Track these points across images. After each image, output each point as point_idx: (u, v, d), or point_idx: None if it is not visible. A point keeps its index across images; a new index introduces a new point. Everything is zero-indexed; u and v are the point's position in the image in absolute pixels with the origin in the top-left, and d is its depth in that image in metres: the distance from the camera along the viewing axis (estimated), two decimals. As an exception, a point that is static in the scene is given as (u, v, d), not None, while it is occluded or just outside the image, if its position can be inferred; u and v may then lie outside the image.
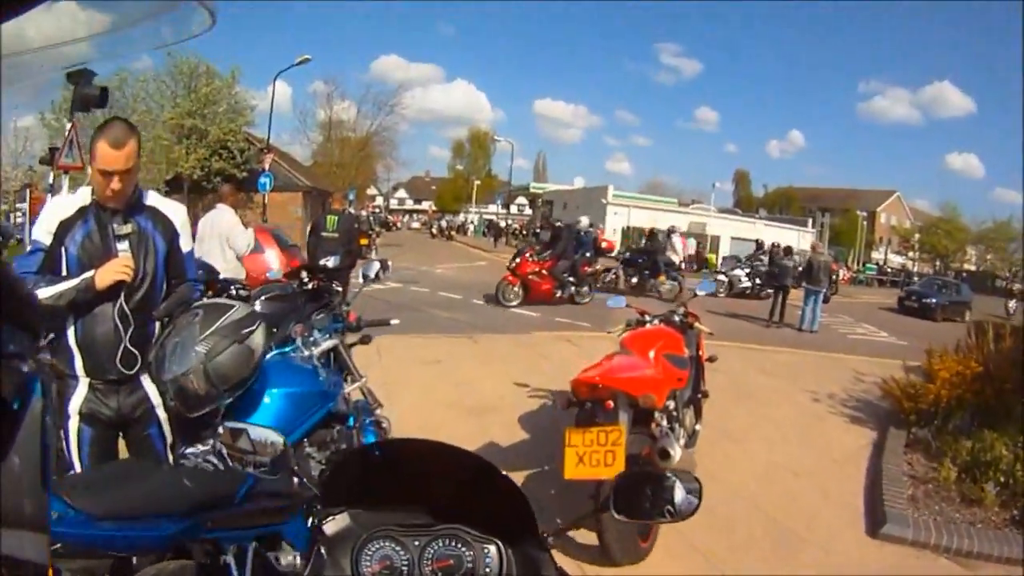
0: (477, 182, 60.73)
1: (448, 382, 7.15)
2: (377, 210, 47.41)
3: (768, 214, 49.00)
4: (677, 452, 3.59)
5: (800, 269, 15.35)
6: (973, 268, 43.97)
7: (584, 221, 15.86)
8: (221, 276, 6.41)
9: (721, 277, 19.11)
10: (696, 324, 5.10)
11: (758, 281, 19.13)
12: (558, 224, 16.84)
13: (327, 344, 3.44)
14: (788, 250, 17.26)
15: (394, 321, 4.43)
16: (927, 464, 5.18)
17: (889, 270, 42.44)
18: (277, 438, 2.02)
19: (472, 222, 51.73)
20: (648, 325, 4.92)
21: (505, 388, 7.00)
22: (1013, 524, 4.25)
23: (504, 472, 1.39)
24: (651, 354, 4.09)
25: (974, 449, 4.90)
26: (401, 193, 75.82)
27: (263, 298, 5.12)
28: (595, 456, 3.32)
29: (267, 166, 23.23)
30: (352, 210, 25.81)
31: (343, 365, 3.61)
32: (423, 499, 1.43)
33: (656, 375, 3.87)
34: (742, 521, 4.29)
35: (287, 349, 3.33)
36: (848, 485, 5.09)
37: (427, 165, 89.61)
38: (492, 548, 1.37)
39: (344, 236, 9.24)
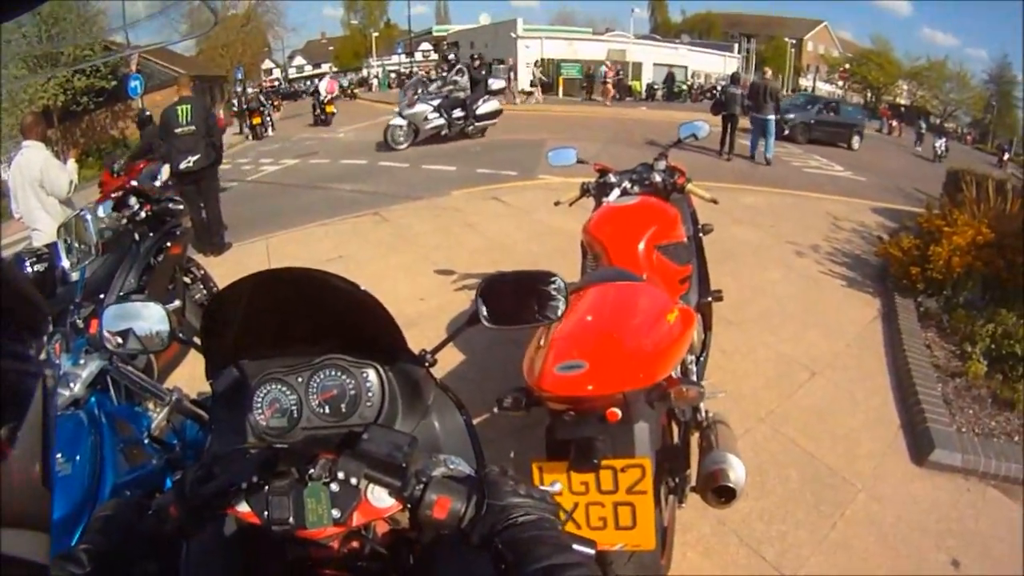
0: (375, 34, 56.54)
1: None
2: (277, 83, 44.67)
3: (690, 39, 46.88)
4: (741, 473, 2.16)
5: (746, 96, 13.81)
6: (905, 103, 43.84)
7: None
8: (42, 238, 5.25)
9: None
10: (689, 185, 3.59)
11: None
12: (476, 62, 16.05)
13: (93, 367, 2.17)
14: (735, 77, 16.16)
15: None
16: (946, 348, 4.51)
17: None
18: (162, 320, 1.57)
19: (376, 76, 48.36)
20: (616, 191, 3.47)
21: (426, 282, 5.85)
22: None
23: (364, 289, 1.25)
24: (641, 248, 2.80)
25: (995, 334, 4.29)
26: (299, 60, 71.10)
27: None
28: (599, 513, 1.92)
29: (134, 67, 20.37)
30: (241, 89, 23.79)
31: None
32: (298, 335, 1.37)
33: (674, 329, 2.22)
34: (772, 463, 3.38)
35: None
36: (875, 386, 4.20)
37: (321, 27, 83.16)
38: (371, 371, 1.38)
39: (202, 126, 7.25)
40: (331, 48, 68.53)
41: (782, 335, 4.81)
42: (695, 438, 2.42)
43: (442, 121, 14.04)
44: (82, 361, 2.19)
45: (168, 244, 4.77)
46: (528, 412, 2.04)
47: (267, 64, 56.74)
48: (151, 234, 4.68)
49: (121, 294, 4.22)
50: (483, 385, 3.73)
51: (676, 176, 3.55)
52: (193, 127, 7.15)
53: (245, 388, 1.39)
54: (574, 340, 2.05)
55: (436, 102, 14.08)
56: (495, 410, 2.02)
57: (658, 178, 3.49)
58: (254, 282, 1.27)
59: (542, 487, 1.22)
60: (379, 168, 12.25)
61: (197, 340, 1.44)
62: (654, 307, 2.28)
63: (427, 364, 1.42)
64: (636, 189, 3.47)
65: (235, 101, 24.13)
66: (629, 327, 2.17)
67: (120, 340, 1.56)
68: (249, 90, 24.62)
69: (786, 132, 17.00)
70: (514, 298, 1.49)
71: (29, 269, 4.66)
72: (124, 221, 4.59)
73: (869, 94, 46.09)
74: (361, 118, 21.30)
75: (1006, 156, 23.47)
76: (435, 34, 53.39)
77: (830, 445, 3.56)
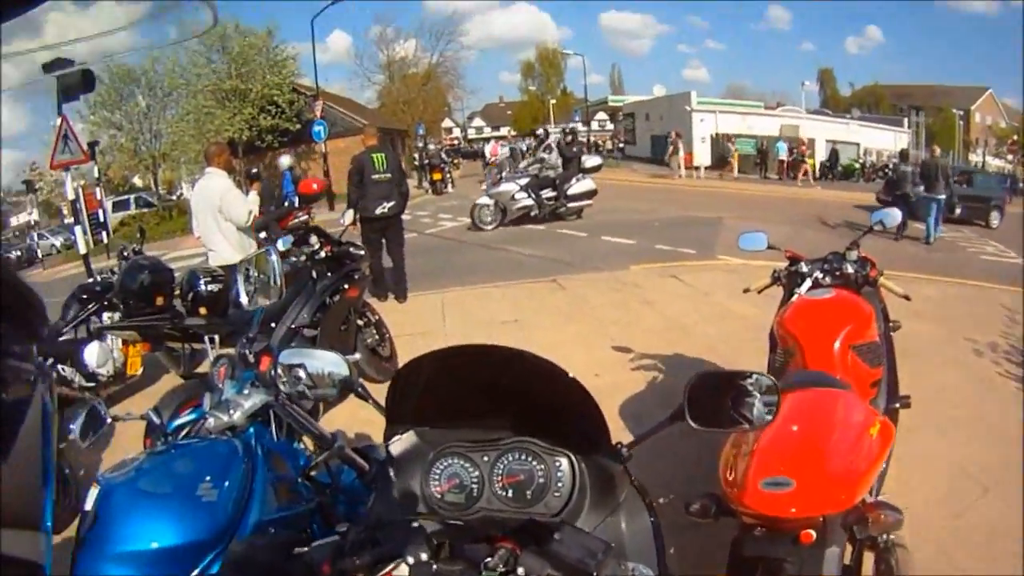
0: (552, 101, 58.80)
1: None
2: (457, 142, 47.55)
3: (860, 114, 44.75)
4: None
5: (918, 174, 13.03)
6: None
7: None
8: (216, 259, 5.56)
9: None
10: (881, 278, 3.33)
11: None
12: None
13: (257, 400, 2.06)
14: (904, 154, 15.57)
15: None
16: None
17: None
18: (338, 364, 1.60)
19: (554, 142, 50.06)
20: (808, 282, 3.26)
21: (602, 356, 5.47)
22: None
23: (573, 376, 1.21)
24: (837, 347, 2.63)
25: None
26: (478, 122, 75.15)
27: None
28: None
29: (319, 113, 22.41)
30: (423, 144, 25.07)
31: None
32: (491, 411, 1.34)
33: (875, 446, 2.08)
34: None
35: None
36: None
37: (499, 91, 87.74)
38: (564, 460, 1.33)
39: (397, 175, 7.41)
40: (509, 112, 71.87)
41: (958, 448, 4.14)
42: (869, 558, 2.10)
43: (531, 201, 13.23)
44: (247, 391, 2.13)
45: (345, 286, 4.77)
46: (717, 520, 1.94)
47: (447, 123, 60.79)
48: (329, 274, 4.71)
49: (292, 326, 4.27)
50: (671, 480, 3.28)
51: (869, 268, 3.35)
52: (389, 175, 7.32)
53: (422, 457, 1.36)
54: (779, 453, 1.92)
55: (524, 181, 13.42)
56: (685, 513, 1.95)
57: (850, 269, 3.32)
58: (459, 353, 1.22)
59: None
60: (558, 235, 12.17)
61: (372, 395, 1.45)
62: (858, 420, 2.14)
63: (624, 459, 1.33)
64: (828, 280, 3.31)
65: (415, 156, 25.47)
66: (835, 443, 2.03)
67: (296, 377, 1.55)
68: (431, 146, 25.92)
69: (958, 212, 14.87)
70: (722, 398, 1.38)
71: (203, 287, 4.89)
72: (303, 258, 4.67)
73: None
74: None
75: None
76: (611, 104, 55.23)
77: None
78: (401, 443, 1.38)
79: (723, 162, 27.94)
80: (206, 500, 1.67)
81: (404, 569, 1.01)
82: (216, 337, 4.73)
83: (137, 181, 30.62)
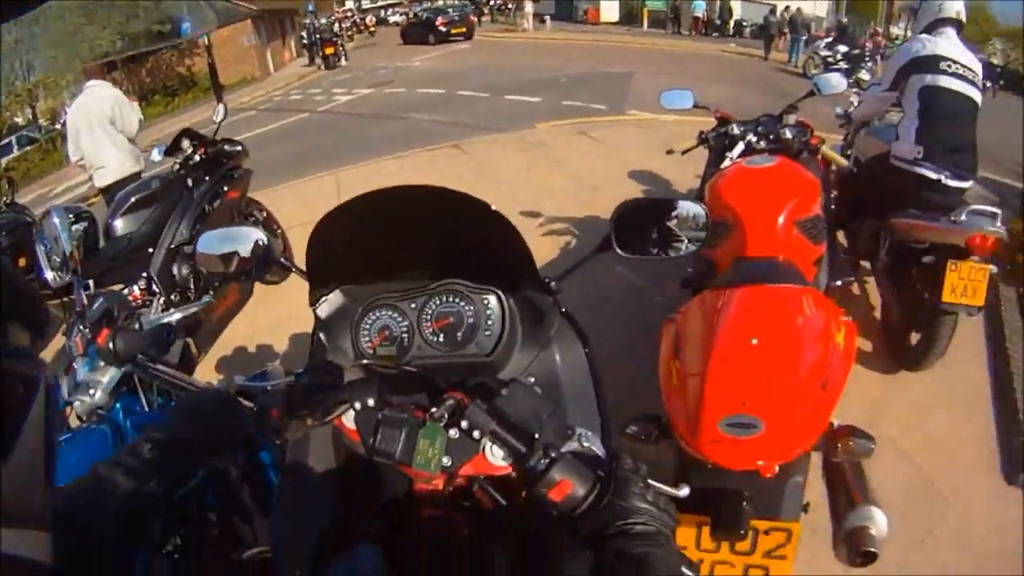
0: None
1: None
2: (351, 13, 45.09)
3: None
4: (885, 530, 1.67)
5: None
6: (999, 63, 40.76)
7: None
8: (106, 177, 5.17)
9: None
10: (823, 147, 3.17)
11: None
12: None
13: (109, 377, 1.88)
14: (773, 9, 20.33)
15: None
16: None
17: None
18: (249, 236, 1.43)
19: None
20: (740, 146, 3.09)
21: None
22: None
23: (495, 209, 1.12)
24: (781, 223, 2.34)
25: None
26: (373, -9, 70.69)
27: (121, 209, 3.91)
28: (728, 573, 1.66)
29: (185, 6, 21.17)
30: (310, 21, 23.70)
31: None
32: (414, 256, 1.29)
33: (845, 357, 1.83)
34: (872, 464, 2.83)
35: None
36: (975, 386, 3.54)
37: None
38: (492, 298, 1.30)
39: None
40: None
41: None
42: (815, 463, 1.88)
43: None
44: (102, 364, 1.87)
45: (224, 188, 4.34)
46: (658, 444, 1.78)
47: (342, -6, 57.25)
48: (207, 178, 4.27)
49: (172, 246, 3.88)
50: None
51: (809, 135, 3.15)
52: None
53: (350, 315, 1.32)
54: (740, 381, 1.64)
55: None
56: (621, 436, 1.76)
57: (788, 135, 3.10)
58: (370, 200, 1.14)
59: (665, 488, 0.99)
60: (458, 98, 11.69)
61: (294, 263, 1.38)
62: (824, 326, 1.85)
63: (552, 292, 1.30)
64: (763, 144, 3.12)
65: (303, 34, 24.18)
66: (804, 363, 1.72)
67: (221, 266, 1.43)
68: (322, 20, 24.70)
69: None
70: (651, 227, 1.34)
71: (69, 228, 4.30)
72: (176, 167, 4.24)
73: (960, 51, 43.63)
74: (436, 48, 21.06)
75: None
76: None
77: (926, 449, 3.13)
78: (327, 304, 1.32)
79: (631, 18, 27.53)
80: None
81: (351, 414, 1.04)
82: (90, 283, 4.25)
83: (19, 119, 28.16)
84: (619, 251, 1.32)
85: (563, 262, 4.34)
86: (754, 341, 1.70)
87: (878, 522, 1.65)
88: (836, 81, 3.44)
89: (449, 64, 15.44)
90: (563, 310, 1.35)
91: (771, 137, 3.12)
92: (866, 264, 3.74)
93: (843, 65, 14.68)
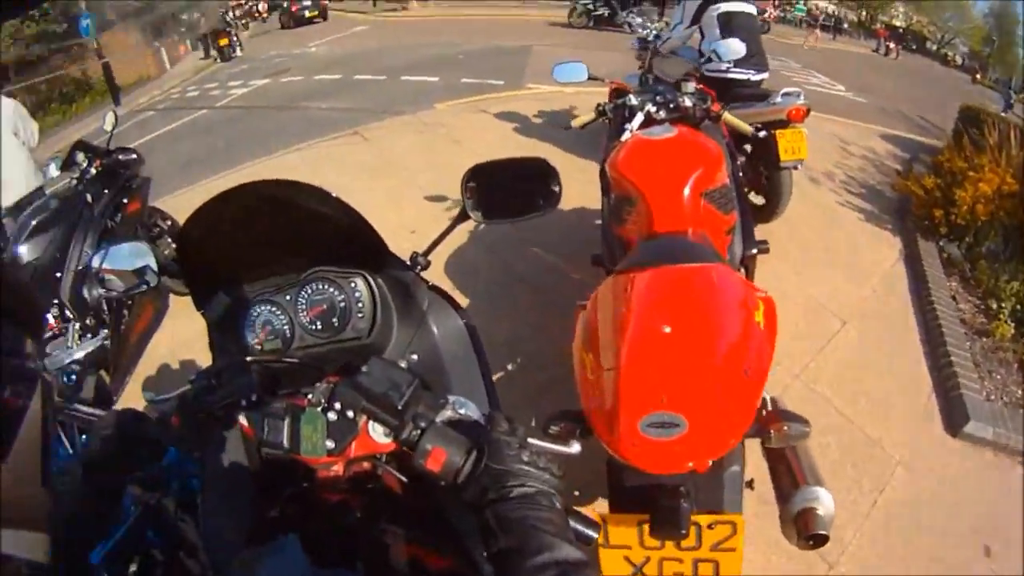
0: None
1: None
2: (242, 2, 43.11)
3: None
4: (832, 510, 1.56)
5: None
6: (901, 25, 41.88)
7: None
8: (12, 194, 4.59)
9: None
10: (725, 113, 3.10)
11: None
12: None
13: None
14: None
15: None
16: (971, 301, 4.31)
17: (819, 14, 38.03)
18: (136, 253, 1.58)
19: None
20: (639, 116, 2.98)
21: (415, 212, 5.25)
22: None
23: (336, 196, 1.16)
24: (687, 195, 2.27)
25: (1020, 293, 4.10)
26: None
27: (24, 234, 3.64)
28: (676, 569, 1.58)
29: (83, 5, 19.16)
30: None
31: None
32: (282, 251, 1.31)
33: (766, 337, 1.74)
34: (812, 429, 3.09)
35: None
36: (905, 340, 3.90)
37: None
38: (359, 280, 1.33)
39: None
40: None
41: (808, 277, 4.48)
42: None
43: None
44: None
45: (124, 200, 4.17)
46: (586, 440, 1.58)
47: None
48: (106, 192, 4.06)
49: (79, 268, 3.67)
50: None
51: (710, 102, 3.05)
52: None
53: (234, 314, 1.34)
54: (657, 376, 1.52)
55: None
56: (542, 434, 1.58)
57: (688, 103, 2.99)
58: (222, 200, 1.17)
59: (554, 447, 1.06)
60: (355, 82, 11.55)
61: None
62: (742, 306, 1.74)
63: (419, 268, 1.38)
64: (662, 114, 3.00)
65: None
66: (723, 348, 1.61)
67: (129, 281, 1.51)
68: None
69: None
70: (506, 189, 1.38)
71: None
72: (74, 182, 3.98)
73: (864, 13, 44.73)
74: (333, 31, 20.49)
75: (1012, 97, 20.95)
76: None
77: (866, 408, 3.28)
78: (214, 307, 1.36)
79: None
80: None
81: (240, 410, 1.08)
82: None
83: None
84: (476, 219, 1.39)
85: (479, 243, 4.49)
86: (667, 329, 1.59)
87: (824, 502, 1.56)
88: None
89: (346, 48, 15.21)
90: (430, 284, 1.38)
91: (671, 106, 3.02)
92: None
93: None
